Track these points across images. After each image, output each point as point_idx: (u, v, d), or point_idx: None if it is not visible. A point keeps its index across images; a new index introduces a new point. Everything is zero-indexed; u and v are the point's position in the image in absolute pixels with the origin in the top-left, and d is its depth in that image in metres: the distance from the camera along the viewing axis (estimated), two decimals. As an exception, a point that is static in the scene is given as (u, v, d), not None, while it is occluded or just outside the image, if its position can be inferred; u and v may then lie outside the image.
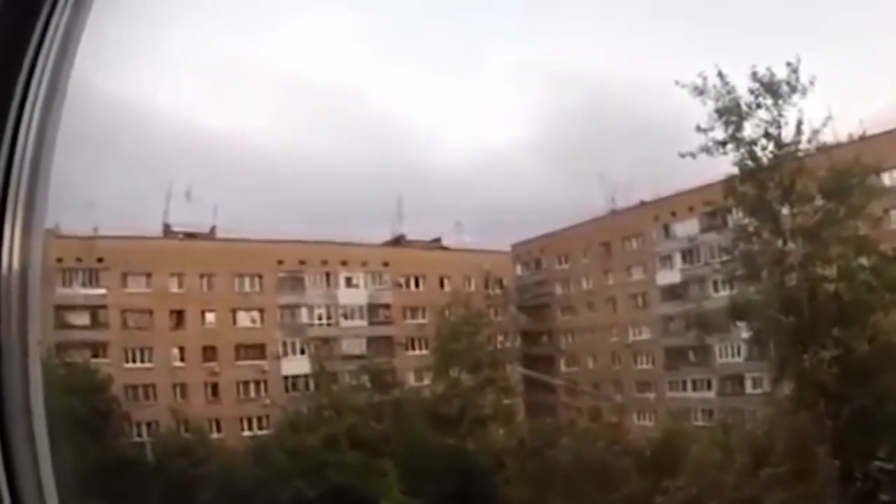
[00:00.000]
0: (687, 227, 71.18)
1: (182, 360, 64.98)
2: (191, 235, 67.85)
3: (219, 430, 62.25)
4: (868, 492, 28.88)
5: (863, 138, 31.13)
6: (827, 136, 29.94)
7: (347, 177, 76.34)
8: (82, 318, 61.95)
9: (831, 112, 29.19)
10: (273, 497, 44.71)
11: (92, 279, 62.91)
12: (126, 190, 61.01)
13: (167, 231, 67.61)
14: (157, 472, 48.32)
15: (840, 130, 30.19)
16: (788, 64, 30.00)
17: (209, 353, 65.54)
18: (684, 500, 33.93)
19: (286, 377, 67.25)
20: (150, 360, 63.52)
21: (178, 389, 63.54)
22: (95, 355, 60.18)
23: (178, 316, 65.51)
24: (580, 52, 79.67)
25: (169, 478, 46.78)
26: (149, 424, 59.10)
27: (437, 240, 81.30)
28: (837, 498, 27.08)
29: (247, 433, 63.21)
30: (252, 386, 66.98)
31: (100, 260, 62.01)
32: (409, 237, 79.53)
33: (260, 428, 63.40)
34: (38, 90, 3.24)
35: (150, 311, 64.46)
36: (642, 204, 76.98)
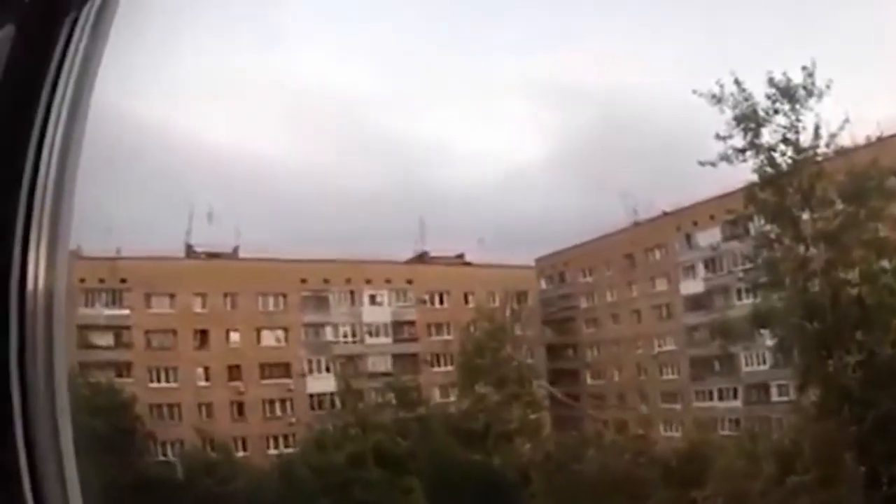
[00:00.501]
0: (709, 236, 70.88)
1: (207, 379, 65.26)
2: (214, 255, 68.22)
3: (244, 449, 62.29)
4: (894, 496, 28.62)
5: (880, 140, 30.88)
6: (844, 140, 29.80)
7: (368, 195, 76.56)
8: (106, 339, 62.11)
9: (848, 115, 29.02)
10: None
11: (115, 300, 63.20)
12: (148, 211, 61.55)
13: (189, 251, 67.98)
14: (182, 490, 48.44)
15: (857, 133, 30.02)
16: (804, 68, 29.97)
17: (234, 372, 65.70)
18: (713, 509, 33.60)
19: (311, 395, 67.24)
20: (174, 380, 63.70)
21: (203, 408, 63.76)
22: (119, 375, 60.36)
23: (202, 335, 65.66)
24: (594, 65, 79.62)
25: (195, 496, 46.89)
26: (174, 444, 59.27)
27: (461, 256, 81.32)
28: (864, 503, 26.84)
29: (272, 451, 63.36)
30: (277, 404, 67.01)
31: (123, 281, 62.20)
32: (433, 254, 79.64)
33: (286, 446, 63.37)
34: (60, 114, 3.31)
35: (174, 331, 64.69)
36: (664, 214, 76.76)
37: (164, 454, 58.15)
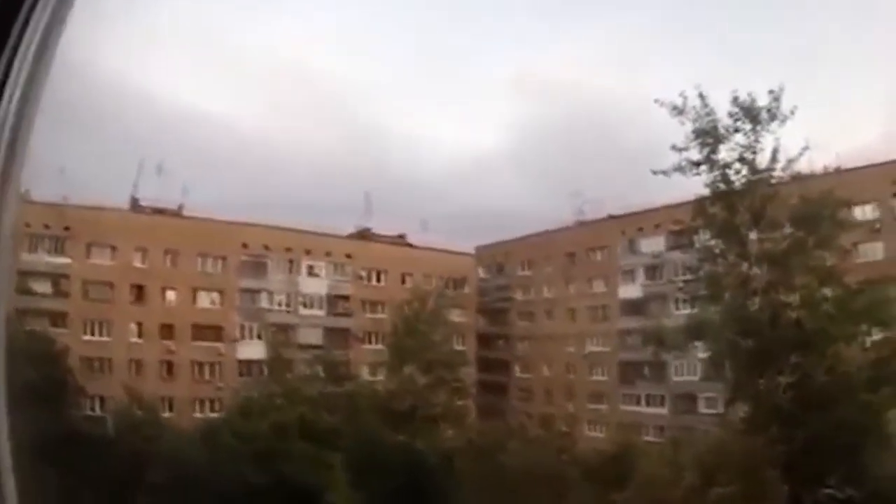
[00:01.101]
0: (653, 244, 71.81)
1: (140, 336, 64.66)
2: (159, 211, 67.35)
3: (171, 410, 61.84)
4: (817, 518, 29.35)
5: (838, 171, 31.44)
6: (802, 166, 30.20)
7: (319, 167, 76.14)
8: (44, 286, 61.10)
9: (809, 143, 29.43)
10: (220, 481, 44.27)
11: (57, 247, 62.22)
12: (99, 160, 60.44)
13: (135, 205, 67.01)
14: (108, 446, 47.76)
15: (816, 162, 30.49)
16: (771, 91, 30.28)
17: (167, 331, 65.18)
18: (630, 513, 34.01)
19: (241, 361, 66.95)
20: (107, 334, 63.16)
21: (133, 365, 63.19)
22: (54, 325, 59.55)
23: (139, 291, 65.06)
24: (563, 65, 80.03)
25: (119, 454, 46.26)
26: (102, 399, 58.57)
27: (402, 236, 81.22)
28: (786, 523, 27.42)
29: (198, 415, 62.92)
30: (207, 367, 66.65)
31: (66, 228, 61.26)
32: (375, 231, 79.41)
33: (212, 410, 63.07)
34: (24, 61, 3.23)
35: (112, 284, 63.99)
36: (610, 217, 77.48)
37: (93, 409, 57.34)
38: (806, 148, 29.53)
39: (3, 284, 3.35)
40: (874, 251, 58.56)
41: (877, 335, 29.37)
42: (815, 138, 29.43)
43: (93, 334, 62.47)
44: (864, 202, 57.12)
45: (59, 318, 60.55)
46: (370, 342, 73.15)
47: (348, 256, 75.60)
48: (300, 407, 51.68)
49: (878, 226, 59.39)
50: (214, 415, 60.69)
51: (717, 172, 32.31)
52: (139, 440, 47.70)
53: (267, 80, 78.29)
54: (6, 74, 3.20)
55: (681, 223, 53.35)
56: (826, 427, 27.22)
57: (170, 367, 64.97)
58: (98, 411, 57.06)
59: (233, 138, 70.14)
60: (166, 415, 59.08)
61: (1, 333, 3.36)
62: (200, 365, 66.37)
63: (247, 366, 66.45)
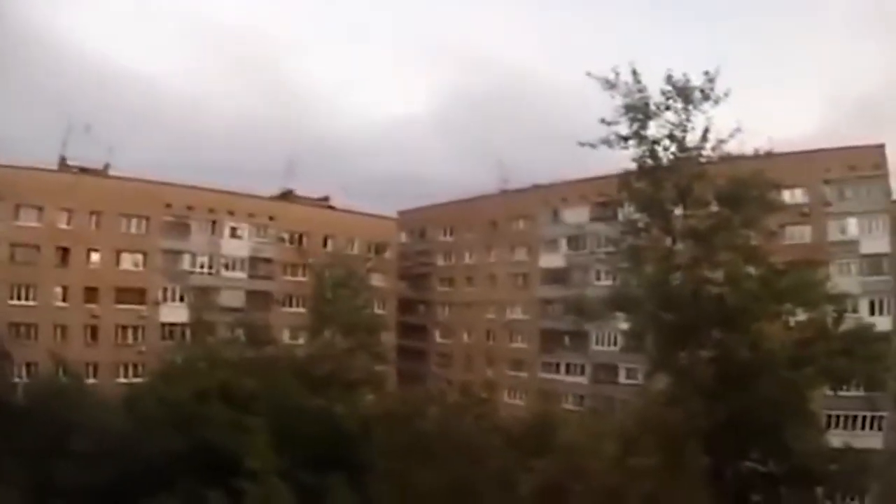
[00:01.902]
0: (576, 215, 72.71)
1: (64, 300, 63.48)
2: (85, 170, 65.88)
3: (95, 375, 60.91)
4: (739, 491, 30.09)
5: (769, 155, 31.92)
6: (732, 148, 30.59)
7: (246, 128, 75.47)
8: (-28, 251, 60.10)
9: (740, 125, 29.80)
10: (143, 447, 43.70)
11: (-14, 209, 60.59)
12: (28, 119, 58.93)
13: (62, 164, 65.50)
14: (30, 415, 46.71)
15: (748, 145, 30.90)
16: (706, 73, 30.57)
17: (90, 294, 64.30)
18: (549, 480, 34.40)
19: (164, 324, 66.34)
20: (34, 299, 62.06)
21: (58, 331, 62.13)
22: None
23: (64, 253, 63.80)
24: (495, 35, 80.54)
25: (42, 422, 45.32)
26: (28, 365, 57.30)
27: (326, 198, 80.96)
28: (707, 493, 28.01)
29: (122, 380, 62.01)
30: (130, 331, 65.80)
31: (-5, 190, 59.66)
32: (298, 193, 78.98)
33: (135, 375, 62.31)
34: None
35: (38, 247, 62.69)
36: (534, 187, 78.13)
37: (19, 376, 56.03)
38: (737, 129, 29.82)
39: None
40: (802, 234, 60.46)
41: (801, 316, 30.13)
42: (749, 123, 29.80)
43: (19, 299, 61.41)
44: (794, 186, 58.79)
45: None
46: (291, 305, 72.87)
47: (271, 218, 75.11)
48: (221, 372, 51.11)
49: (806, 210, 61.07)
50: (138, 380, 59.83)
51: (645, 148, 32.36)
52: (63, 407, 46.73)
53: (192, 40, 77.20)
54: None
55: (605, 195, 54.03)
56: (748, 402, 27.84)
57: (94, 331, 64.10)
58: (24, 378, 55.84)
59: (159, 98, 69.18)
60: (90, 380, 58.15)
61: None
62: (124, 329, 65.58)
63: (170, 329, 65.80)
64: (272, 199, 77.11)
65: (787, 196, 53.03)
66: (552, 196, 76.69)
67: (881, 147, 58.91)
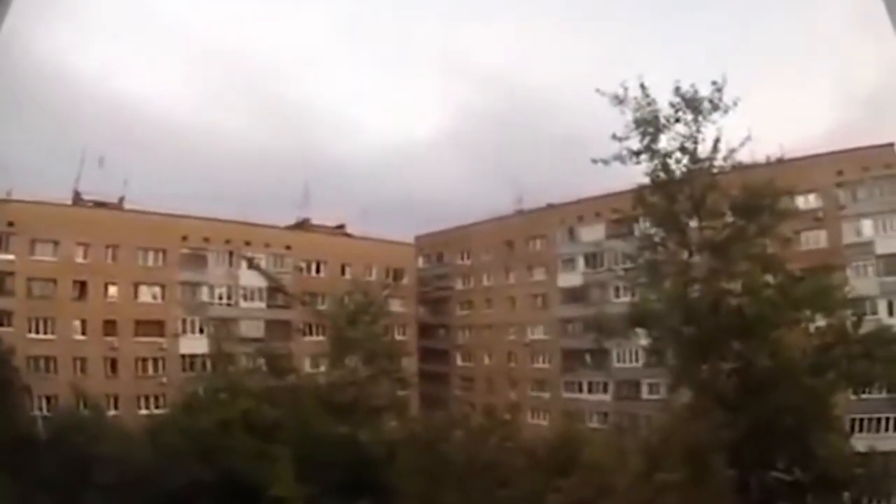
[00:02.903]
0: (593, 233, 72.63)
1: (83, 333, 63.85)
2: (100, 204, 66.53)
3: (116, 407, 61.19)
4: (764, 501, 29.80)
5: (780, 161, 31.87)
6: (744, 156, 30.57)
7: (260, 157, 75.89)
8: (-11, 286, 60.84)
9: (751, 133, 29.79)
10: (167, 479, 43.84)
11: (1, 244, 61.49)
12: (42, 154, 59.48)
13: (77, 198, 66.13)
14: (53, 448, 46.97)
15: (758, 153, 30.86)
16: (714, 83, 30.58)
17: (109, 327, 64.71)
18: (576, 499, 34.27)
19: (184, 356, 66.47)
20: (52, 332, 62.57)
21: (78, 363, 62.56)
22: (0, 323, 59.01)
23: (82, 287, 64.37)
24: (506, 53, 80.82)
25: (64, 455, 45.55)
26: (48, 398, 57.69)
27: (342, 226, 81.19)
28: (732, 505, 27.87)
29: (143, 411, 62.21)
30: (150, 363, 66.14)
31: (10, 224, 60.62)
32: (314, 222, 79.23)
33: (156, 406, 62.52)
34: None
35: (55, 281, 63.25)
36: (549, 206, 78.18)
37: (40, 409, 56.43)
38: (748, 138, 29.83)
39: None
40: (817, 239, 60.17)
41: (820, 321, 29.97)
42: (759, 130, 29.76)
43: (38, 332, 61.82)
44: (807, 191, 58.57)
45: (4, 317, 60.23)
46: (311, 334, 72.83)
47: (287, 248, 75.32)
48: (243, 401, 51.13)
49: (820, 214, 60.81)
50: (159, 411, 60.05)
51: (657, 161, 32.35)
52: (85, 440, 46.95)
53: (209, 70, 77.80)
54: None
55: (620, 212, 53.91)
56: (770, 412, 27.66)
57: (114, 363, 64.38)
58: (45, 411, 56.19)
59: (174, 130, 69.66)
60: (112, 412, 58.38)
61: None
62: (144, 361, 65.90)
63: (190, 361, 65.96)
64: (288, 228, 77.39)
65: (800, 202, 52.89)
66: (568, 215, 76.71)
67: (892, 146, 58.63)
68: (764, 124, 30.16)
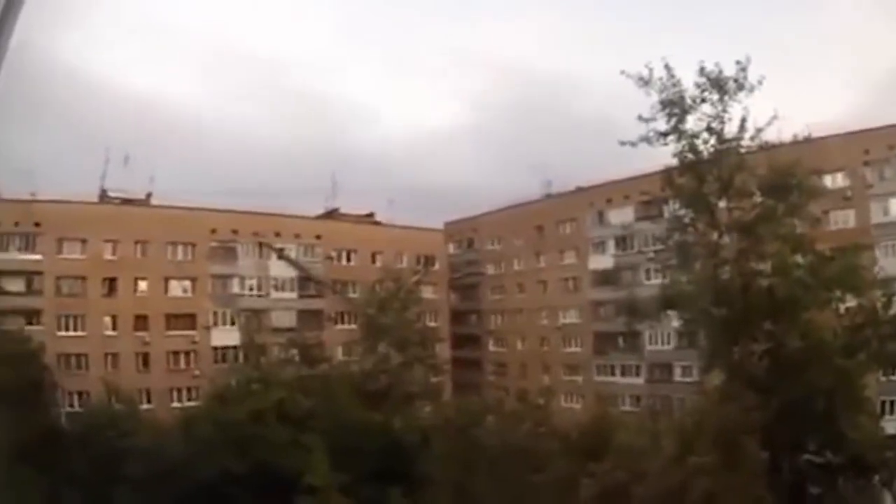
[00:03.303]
0: (622, 215, 71.99)
1: (114, 328, 64.44)
2: (127, 201, 67.00)
3: (149, 401, 61.77)
4: (796, 483, 29.62)
5: (808, 140, 31.58)
6: (771, 136, 30.27)
7: (284, 149, 76.04)
8: (18, 285, 61.52)
9: (778, 113, 29.49)
10: (200, 471, 44.32)
11: (29, 244, 62.10)
12: (66, 153, 60.03)
13: (103, 196, 66.64)
14: (86, 442, 47.60)
15: (786, 132, 30.58)
16: (738, 62, 30.28)
17: (140, 322, 65.17)
18: (610, 483, 34.20)
19: (216, 348, 66.84)
20: (82, 329, 63.11)
21: (109, 359, 63.14)
22: (29, 322, 59.47)
23: (111, 283, 64.88)
24: (526, 39, 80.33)
25: (97, 450, 46.17)
26: (80, 394, 58.48)
27: (371, 215, 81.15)
28: (765, 488, 27.66)
29: (176, 404, 62.71)
30: (182, 356, 66.58)
31: (37, 224, 61.32)
32: (343, 211, 79.26)
33: (189, 399, 62.96)
34: None
35: (84, 278, 63.88)
36: (578, 190, 77.82)
37: (71, 405, 57.18)
38: (774, 117, 29.52)
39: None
40: (846, 218, 59.41)
41: (850, 302, 29.69)
42: (785, 109, 29.46)
43: (67, 330, 62.43)
44: (835, 170, 57.87)
45: (34, 316, 60.57)
46: (343, 322, 73.05)
47: (318, 237, 75.46)
48: (277, 391, 51.49)
49: (849, 193, 60.05)
50: (192, 404, 60.51)
51: (684, 142, 32.10)
52: (117, 434, 47.53)
53: (231, 65, 77.99)
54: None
55: (649, 194, 53.50)
56: (802, 393, 27.49)
57: (145, 358, 64.93)
58: (76, 407, 56.97)
59: (198, 125, 69.95)
60: (144, 406, 58.93)
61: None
62: (175, 354, 66.31)
63: (222, 353, 66.29)
64: (317, 218, 77.50)
65: (828, 181, 52.30)
66: (596, 197, 76.27)
67: (919, 124, 57.63)
68: (788, 104, 29.87)
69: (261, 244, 72.10)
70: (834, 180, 57.83)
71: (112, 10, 57.27)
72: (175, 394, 64.75)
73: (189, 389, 64.33)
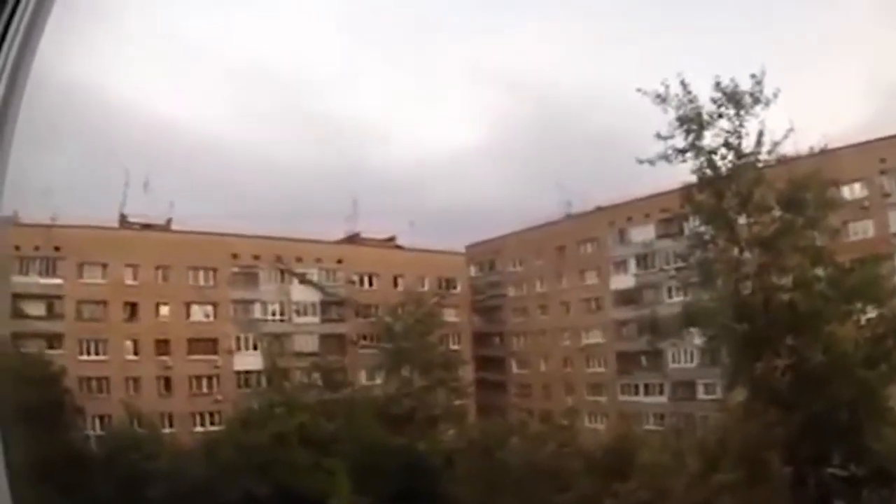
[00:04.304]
0: (643, 233, 71.79)
1: (135, 353, 64.54)
2: (147, 226, 67.27)
3: (171, 425, 61.73)
4: (821, 498, 29.36)
5: (824, 152, 31.49)
6: (788, 149, 30.25)
7: (304, 173, 76.06)
8: (38, 309, 61.33)
9: (793, 125, 29.49)
10: (222, 494, 44.35)
11: (49, 268, 62.25)
12: (85, 178, 60.33)
13: (123, 221, 66.97)
14: (108, 466, 47.78)
15: (802, 143, 30.54)
16: (753, 76, 30.31)
17: (162, 346, 65.06)
18: (635, 503, 34.02)
19: (238, 373, 66.76)
20: (104, 353, 63.01)
21: (130, 383, 63.13)
22: (51, 346, 59.51)
23: (133, 308, 64.99)
24: (542, 56, 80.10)
25: (120, 472, 46.30)
26: (101, 418, 58.62)
27: (392, 238, 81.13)
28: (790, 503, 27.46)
29: (198, 428, 62.78)
30: (204, 381, 66.54)
31: (57, 249, 61.37)
32: (364, 235, 79.30)
33: (211, 423, 62.95)
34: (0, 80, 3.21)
35: (105, 303, 63.98)
36: (598, 209, 77.58)
37: (93, 428, 57.37)
38: (791, 130, 29.60)
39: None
40: (864, 229, 58.88)
41: (871, 313, 29.48)
42: (800, 120, 29.46)
43: (89, 354, 62.39)
44: (852, 181, 57.46)
45: (55, 340, 60.57)
46: (366, 346, 72.97)
47: (339, 262, 75.44)
48: (299, 415, 51.57)
49: (867, 203, 59.59)
50: (214, 428, 60.58)
51: (702, 159, 32.30)
52: (140, 457, 47.65)
53: (246, 87, 78.27)
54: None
55: (669, 211, 53.44)
56: (825, 407, 27.32)
57: (167, 382, 64.91)
58: (98, 430, 57.15)
59: (217, 149, 70.12)
60: (166, 430, 59.03)
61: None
62: (198, 378, 66.21)
63: (244, 377, 66.33)
64: (339, 242, 77.58)
65: (846, 192, 51.94)
66: (617, 216, 76.02)
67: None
68: (802, 114, 29.83)
69: (282, 270, 72.26)
70: (851, 191, 57.40)
71: (130, 35, 57.36)
72: (197, 418, 64.67)
73: (211, 414, 64.23)
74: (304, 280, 72.20)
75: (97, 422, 58.58)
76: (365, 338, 72.96)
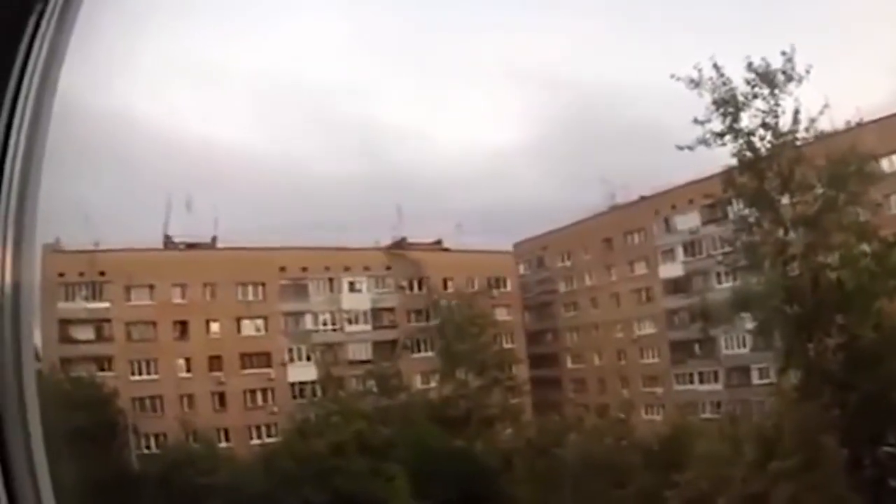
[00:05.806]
0: (688, 220, 71.02)
1: (188, 370, 65.20)
2: (192, 246, 67.93)
3: (227, 440, 62.29)
4: (877, 478, 28.78)
5: (860, 125, 30.93)
6: (824, 125, 29.77)
7: (346, 182, 76.27)
8: (86, 333, 62.22)
9: (828, 100, 29.00)
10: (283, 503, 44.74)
11: (95, 293, 63.14)
12: (126, 202, 61.13)
13: (168, 242, 67.69)
14: (166, 483, 48.36)
15: (837, 118, 30.03)
16: (783, 53, 29.90)
17: (215, 362, 65.59)
18: (693, 494, 33.63)
19: (293, 384, 67.08)
20: (155, 372, 63.66)
21: (185, 400, 63.72)
22: (101, 369, 60.28)
23: (183, 326, 65.62)
24: (574, 51, 79.43)
25: (178, 489, 46.84)
26: (157, 436, 59.32)
27: (439, 242, 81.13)
28: (846, 486, 26.91)
29: (255, 441, 63.27)
30: (259, 394, 66.97)
31: (102, 273, 62.16)
32: (411, 240, 79.39)
33: (268, 436, 63.36)
34: (25, 108, 3.24)
35: (154, 323, 64.68)
36: (642, 199, 76.96)
37: (149, 447, 58.05)
38: (826, 106, 29.08)
39: (30, 333, 3.41)
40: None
41: (920, 286, 28.90)
42: (834, 96, 28.96)
43: (140, 374, 63.04)
44: (890, 153, 56.24)
45: (105, 362, 61.35)
46: (419, 351, 73.06)
47: (388, 268, 75.63)
48: (356, 423, 51.82)
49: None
50: (271, 440, 61.02)
51: (741, 141, 31.92)
52: (197, 473, 48.15)
53: (282, 99, 78.66)
54: (9, 124, 3.24)
55: (712, 196, 52.80)
56: (879, 385, 26.78)
57: (222, 397, 65.48)
58: (153, 449, 57.81)
59: (257, 164, 70.49)
60: (223, 445, 59.58)
61: (31, 383, 3.38)
62: (252, 392, 66.70)
63: (299, 388, 66.66)
64: (386, 249, 77.80)
65: (885, 164, 50.86)
66: (661, 205, 75.33)
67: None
68: (835, 92, 29.35)
69: (331, 279, 72.55)
70: (892, 163, 56.26)
71: (160, 56, 57.90)
72: (254, 431, 65.15)
73: (267, 426, 64.63)
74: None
75: (153, 440, 59.41)
76: (418, 342, 73.16)
